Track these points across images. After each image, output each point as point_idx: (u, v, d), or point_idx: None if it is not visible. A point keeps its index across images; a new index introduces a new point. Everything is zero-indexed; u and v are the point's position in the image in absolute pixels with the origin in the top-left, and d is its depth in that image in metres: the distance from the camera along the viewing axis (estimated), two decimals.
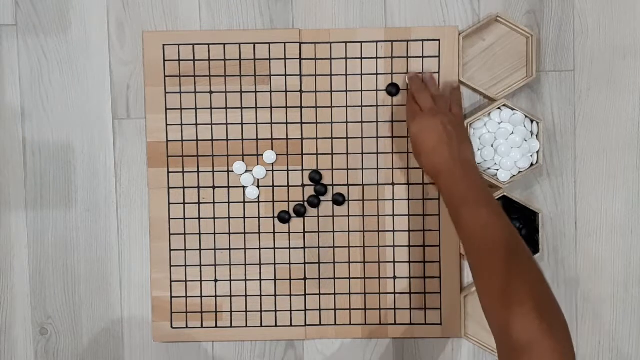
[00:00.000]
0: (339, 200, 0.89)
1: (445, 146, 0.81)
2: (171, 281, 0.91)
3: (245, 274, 0.91)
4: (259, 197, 0.90)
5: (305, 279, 0.91)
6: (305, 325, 0.91)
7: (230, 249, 0.91)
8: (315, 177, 0.89)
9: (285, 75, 0.90)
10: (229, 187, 0.90)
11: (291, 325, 0.91)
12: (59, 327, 0.92)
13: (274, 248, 0.91)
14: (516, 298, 0.68)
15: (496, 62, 0.89)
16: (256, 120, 0.90)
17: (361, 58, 0.90)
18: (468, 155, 0.83)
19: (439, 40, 0.89)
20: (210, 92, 0.90)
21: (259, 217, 0.91)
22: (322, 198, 0.90)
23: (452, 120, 0.83)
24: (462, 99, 0.90)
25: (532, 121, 0.87)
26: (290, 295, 0.91)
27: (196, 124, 0.90)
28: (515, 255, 0.72)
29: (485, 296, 0.72)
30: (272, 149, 0.90)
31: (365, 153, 0.90)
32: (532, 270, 0.71)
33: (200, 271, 0.91)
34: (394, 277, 0.90)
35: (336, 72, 0.90)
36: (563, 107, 0.91)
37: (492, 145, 0.87)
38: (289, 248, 0.91)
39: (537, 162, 0.88)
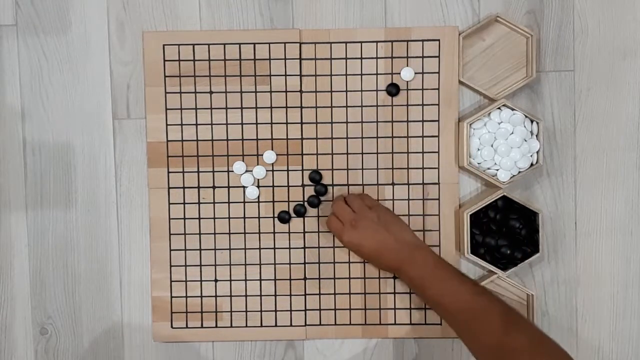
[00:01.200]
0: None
1: (382, 245, 0.83)
2: (171, 281, 0.91)
3: (245, 274, 0.91)
4: (259, 197, 0.90)
5: (305, 279, 0.91)
6: (305, 325, 0.91)
7: (230, 249, 0.91)
8: (315, 177, 0.89)
9: (285, 75, 0.90)
10: (229, 187, 0.90)
11: (291, 325, 0.91)
12: (59, 327, 0.92)
13: (274, 248, 0.91)
14: (506, 350, 0.71)
15: (496, 62, 0.89)
16: (256, 120, 0.90)
17: (361, 58, 0.90)
18: (407, 237, 0.84)
19: (439, 40, 0.89)
20: (210, 92, 0.90)
21: (259, 217, 0.91)
22: (322, 198, 0.90)
23: (374, 216, 0.84)
24: (459, 101, 0.90)
25: (532, 121, 0.87)
26: (290, 295, 0.91)
27: (196, 124, 0.90)
28: (487, 313, 0.76)
29: (478, 356, 0.76)
30: (272, 149, 0.90)
31: (365, 153, 0.90)
32: (511, 316, 0.76)
33: (200, 271, 0.91)
34: (394, 277, 0.90)
35: (336, 72, 0.90)
36: (563, 107, 0.91)
37: (492, 145, 0.87)
38: (289, 248, 0.91)
39: (537, 162, 0.88)
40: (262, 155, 0.90)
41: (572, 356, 0.71)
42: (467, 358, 0.92)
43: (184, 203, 0.90)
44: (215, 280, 0.91)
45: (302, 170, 0.90)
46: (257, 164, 0.90)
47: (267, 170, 0.90)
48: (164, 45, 0.90)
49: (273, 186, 0.90)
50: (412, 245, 0.84)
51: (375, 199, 0.89)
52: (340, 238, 0.85)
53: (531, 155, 0.88)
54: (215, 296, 0.91)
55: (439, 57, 0.89)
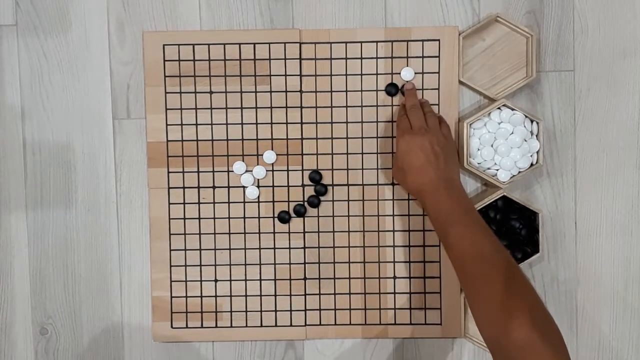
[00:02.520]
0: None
1: (431, 166, 0.82)
2: (171, 281, 0.91)
3: (245, 274, 0.91)
4: (259, 197, 0.90)
5: (305, 279, 0.91)
6: (305, 325, 0.91)
7: (230, 249, 0.91)
8: (315, 177, 0.90)
9: (285, 75, 0.90)
10: (229, 187, 0.90)
11: (291, 325, 0.91)
12: (59, 327, 0.92)
13: (274, 248, 0.91)
14: (513, 311, 0.70)
15: (496, 62, 0.89)
16: (256, 120, 0.90)
17: (361, 58, 0.90)
18: (454, 175, 0.84)
19: (439, 40, 0.89)
20: (210, 92, 0.90)
21: (259, 217, 0.91)
22: (322, 198, 0.90)
23: (441, 140, 0.84)
24: (459, 101, 0.90)
25: (532, 121, 0.87)
26: (290, 295, 0.91)
27: (196, 124, 0.90)
28: (506, 271, 0.74)
29: (479, 309, 0.74)
30: (272, 149, 0.90)
31: (365, 153, 0.90)
32: (525, 284, 0.73)
33: (200, 271, 0.91)
34: (394, 277, 0.90)
35: (336, 72, 0.90)
36: (563, 107, 0.91)
37: (492, 145, 0.87)
38: (289, 248, 0.91)
39: (537, 162, 0.88)
40: (262, 155, 0.90)
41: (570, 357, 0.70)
42: (467, 358, 0.92)
43: (184, 203, 0.90)
44: (215, 280, 0.91)
45: (302, 170, 0.90)
46: (257, 164, 0.90)
47: (267, 170, 0.90)
48: (164, 45, 0.90)
49: (273, 186, 0.90)
50: (454, 183, 0.82)
51: (449, 130, 0.88)
52: (402, 136, 0.84)
53: (531, 155, 0.88)
54: (215, 296, 0.91)
55: (439, 57, 0.89)
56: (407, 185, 0.85)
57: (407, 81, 0.89)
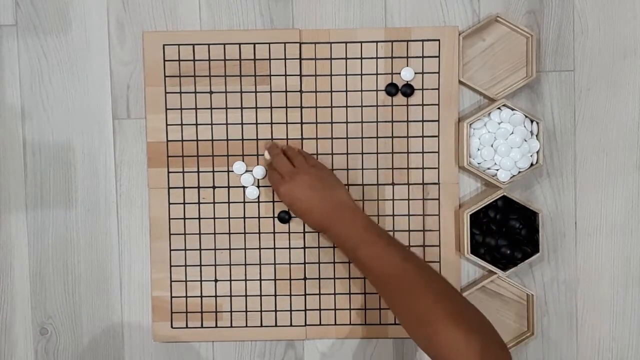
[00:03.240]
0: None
1: (316, 202, 0.83)
2: (171, 281, 0.91)
3: (245, 274, 0.91)
4: (259, 197, 0.90)
5: (305, 279, 0.91)
6: (305, 325, 0.91)
7: (230, 249, 0.91)
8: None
9: (285, 75, 0.90)
10: (229, 187, 0.90)
11: (291, 325, 0.91)
12: (59, 327, 0.92)
13: (274, 248, 0.91)
14: (430, 316, 0.73)
15: (496, 62, 0.89)
16: (256, 120, 0.90)
17: (361, 58, 0.90)
18: (342, 197, 0.84)
19: (439, 40, 0.89)
20: (210, 92, 0.90)
21: (259, 217, 0.91)
22: None
23: (313, 173, 0.84)
24: (459, 101, 0.90)
25: (532, 121, 0.87)
26: (290, 295, 0.91)
27: (196, 124, 0.90)
28: (417, 275, 0.77)
29: (404, 322, 0.77)
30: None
31: (365, 153, 0.90)
32: (435, 282, 0.77)
33: (200, 271, 0.91)
34: None
35: (336, 72, 0.90)
36: (563, 107, 0.91)
37: (492, 145, 0.87)
38: (289, 248, 0.91)
39: (537, 162, 0.88)
40: (262, 155, 0.90)
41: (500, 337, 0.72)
42: None
43: (184, 203, 0.90)
44: (215, 280, 0.91)
45: None
46: (257, 164, 0.90)
47: (267, 170, 0.90)
48: (164, 45, 0.90)
49: None
50: (345, 205, 0.83)
51: (316, 160, 0.89)
52: (277, 190, 0.85)
53: (531, 155, 0.88)
54: (215, 296, 0.91)
55: (439, 57, 0.89)
56: (309, 225, 0.87)
57: (406, 81, 0.89)
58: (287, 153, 0.87)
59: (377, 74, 0.90)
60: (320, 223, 0.84)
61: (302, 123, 0.90)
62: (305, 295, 0.91)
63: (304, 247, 0.91)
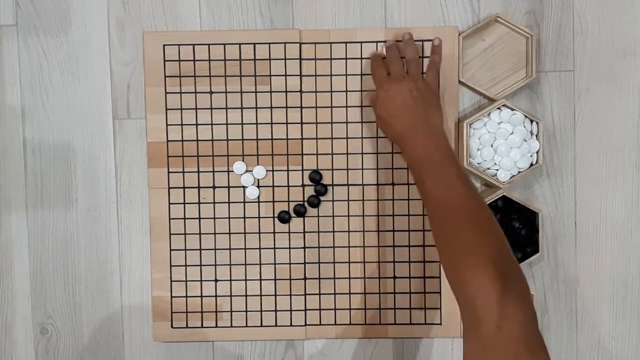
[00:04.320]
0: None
1: (408, 111, 0.81)
2: (171, 281, 0.91)
3: (246, 274, 0.91)
4: (259, 197, 0.90)
5: (305, 278, 0.91)
6: (305, 325, 0.91)
7: (230, 249, 0.91)
8: (316, 177, 0.90)
9: (285, 75, 0.90)
10: (229, 187, 0.90)
11: (291, 325, 0.91)
12: (59, 327, 0.92)
13: (274, 248, 0.91)
14: (476, 259, 0.68)
15: (496, 62, 0.90)
16: (256, 120, 0.90)
17: (361, 58, 0.90)
18: (433, 121, 0.82)
19: None
20: (211, 92, 0.90)
21: (259, 217, 0.91)
22: (322, 198, 0.90)
23: (421, 86, 0.82)
24: (459, 101, 0.90)
25: (531, 121, 0.87)
26: (290, 295, 0.91)
27: (196, 124, 0.90)
28: (475, 217, 0.73)
29: (446, 256, 0.73)
30: (272, 150, 0.90)
31: (365, 153, 0.90)
32: (492, 232, 0.72)
33: (201, 271, 0.91)
34: (394, 277, 0.91)
35: (336, 72, 0.90)
36: (563, 107, 0.91)
37: (491, 145, 0.87)
38: (289, 248, 0.91)
39: (536, 162, 0.88)
40: (262, 155, 0.90)
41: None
42: None
43: (184, 203, 0.90)
44: (216, 280, 0.91)
45: (302, 170, 0.90)
46: (257, 164, 0.90)
47: (267, 170, 0.90)
48: (164, 45, 0.90)
49: (273, 186, 0.90)
50: (433, 129, 0.81)
51: (437, 74, 0.87)
52: (380, 85, 0.83)
53: (531, 156, 0.88)
54: (216, 296, 0.91)
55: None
56: (387, 132, 0.85)
57: None
58: (408, 55, 0.85)
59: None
60: (401, 133, 0.81)
61: (302, 123, 0.90)
62: (305, 295, 0.91)
63: (304, 247, 0.91)
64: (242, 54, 0.90)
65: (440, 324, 0.90)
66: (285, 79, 0.90)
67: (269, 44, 0.90)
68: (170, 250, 0.91)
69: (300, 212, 0.90)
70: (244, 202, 0.90)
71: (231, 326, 0.91)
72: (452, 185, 0.76)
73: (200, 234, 0.91)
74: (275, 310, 0.91)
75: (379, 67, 0.86)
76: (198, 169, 0.90)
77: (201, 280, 0.91)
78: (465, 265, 0.69)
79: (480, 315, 0.66)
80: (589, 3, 0.90)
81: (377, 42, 0.89)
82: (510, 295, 0.65)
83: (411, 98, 0.81)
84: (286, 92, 0.90)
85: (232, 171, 0.90)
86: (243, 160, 0.90)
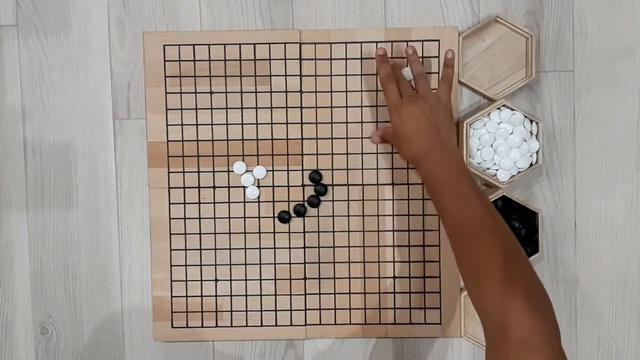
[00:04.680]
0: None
1: (424, 134, 0.81)
2: (171, 281, 0.91)
3: (246, 274, 0.91)
4: (259, 197, 0.91)
5: (305, 278, 0.91)
6: (305, 324, 0.91)
7: (230, 249, 0.91)
8: (316, 177, 0.90)
9: (286, 75, 0.90)
10: (229, 187, 0.91)
11: (291, 325, 0.91)
12: (59, 327, 0.92)
13: (274, 248, 0.91)
14: (497, 276, 0.69)
15: (496, 63, 0.90)
16: (256, 121, 0.90)
17: (361, 58, 0.90)
18: (448, 138, 0.82)
19: (438, 40, 0.89)
20: (211, 93, 0.90)
21: (259, 217, 0.91)
22: (322, 198, 0.90)
23: (434, 104, 0.82)
24: (458, 101, 0.90)
25: (531, 121, 0.88)
26: (290, 294, 0.91)
27: (196, 124, 0.90)
28: (494, 234, 0.73)
29: (467, 272, 0.73)
30: (272, 150, 0.90)
31: (365, 153, 0.90)
32: (507, 244, 0.72)
33: (201, 271, 0.91)
34: (394, 277, 0.91)
35: (336, 73, 0.90)
36: (562, 107, 0.91)
37: (491, 146, 0.88)
38: (289, 248, 0.91)
39: (536, 162, 0.88)
40: (262, 155, 0.90)
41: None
42: (467, 358, 0.92)
43: (184, 203, 0.91)
44: (216, 280, 0.91)
45: (302, 170, 0.90)
46: (257, 164, 0.90)
47: (267, 170, 0.90)
48: (164, 45, 0.90)
49: (273, 186, 0.91)
50: (448, 147, 0.81)
51: (449, 87, 0.86)
52: (393, 106, 0.83)
53: (531, 156, 0.88)
54: (216, 296, 0.91)
55: (438, 57, 0.89)
56: (404, 154, 0.85)
57: (408, 81, 0.89)
58: (414, 71, 0.85)
59: (377, 74, 0.90)
60: (417, 154, 0.82)
61: (302, 123, 0.90)
62: (305, 295, 0.91)
63: (304, 247, 0.91)
64: (242, 54, 0.90)
65: (440, 323, 0.90)
66: (285, 79, 0.90)
67: (269, 44, 0.90)
68: (171, 250, 0.91)
69: (300, 212, 0.90)
70: (244, 202, 0.91)
71: (231, 326, 0.91)
72: (469, 203, 0.76)
73: (200, 234, 0.91)
74: (275, 310, 0.91)
75: (390, 89, 0.85)
76: (198, 169, 0.90)
77: (201, 280, 0.91)
78: (486, 281, 0.70)
79: (503, 330, 0.66)
80: (589, 3, 0.90)
81: (377, 42, 0.89)
82: (535, 310, 0.66)
83: (425, 120, 0.81)
84: (286, 92, 0.90)
85: (232, 171, 0.90)
86: (243, 160, 0.90)
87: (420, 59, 0.89)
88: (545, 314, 0.68)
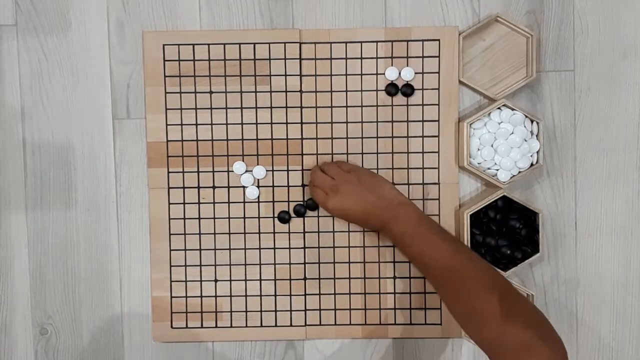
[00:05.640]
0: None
1: (368, 206, 0.84)
2: (171, 281, 0.91)
3: (245, 274, 0.91)
4: (259, 197, 0.90)
5: (305, 279, 0.91)
6: (305, 325, 0.91)
7: (230, 249, 0.91)
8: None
9: (285, 75, 0.90)
10: (229, 187, 0.90)
11: (291, 325, 0.91)
12: (59, 327, 0.92)
13: (274, 248, 0.91)
14: (482, 312, 0.73)
15: (496, 62, 0.89)
16: (256, 120, 0.90)
17: (361, 58, 0.90)
18: (391, 195, 0.85)
19: (439, 40, 0.89)
20: (210, 92, 0.90)
21: (259, 217, 0.91)
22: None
23: (353, 178, 0.85)
24: (459, 101, 0.90)
25: (532, 121, 0.87)
26: (290, 295, 0.91)
27: (196, 124, 0.90)
28: (483, 274, 0.77)
29: (457, 316, 0.77)
30: (272, 150, 0.90)
31: (365, 153, 0.90)
32: (489, 275, 0.77)
33: (200, 271, 0.91)
34: (394, 277, 0.90)
35: (336, 72, 0.90)
36: (563, 107, 0.91)
37: (492, 145, 0.87)
38: (289, 248, 0.91)
39: (537, 162, 0.88)
40: (262, 155, 0.90)
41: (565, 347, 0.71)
42: (467, 358, 0.92)
43: (184, 203, 0.90)
44: (215, 280, 0.91)
45: (302, 170, 0.90)
46: (257, 164, 0.90)
47: (267, 170, 0.90)
48: (163, 45, 0.90)
49: (273, 186, 0.90)
50: (395, 202, 0.84)
51: (352, 163, 0.89)
52: (325, 206, 0.86)
53: (531, 155, 0.88)
54: (215, 296, 0.91)
55: (439, 57, 0.89)
56: (370, 229, 0.89)
57: (406, 81, 0.89)
58: (324, 168, 0.87)
59: (377, 74, 0.90)
60: (375, 225, 0.85)
61: (302, 123, 0.90)
62: (305, 295, 0.91)
63: (304, 247, 0.91)
64: (242, 53, 0.90)
65: (440, 324, 0.90)
66: (285, 78, 0.90)
67: (269, 43, 0.89)
68: (170, 250, 0.91)
69: (300, 212, 0.90)
70: (244, 202, 0.90)
71: (231, 326, 0.91)
72: (436, 246, 0.80)
73: (200, 234, 0.91)
74: (275, 311, 0.91)
75: (313, 190, 0.87)
76: (198, 169, 0.90)
77: (201, 281, 0.91)
78: (485, 319, 0.72)
79: (501, 355, 0.70)
80: (590, 3, 0.90)
81: (377, 42, 0.89)
82: (533, 330, 0.69)
83: (359, 198, 0.84)
84: (286, 92, 0.90)
85: (232, 171, 0.90)
86: (243, 160, 0.90)
87: (420, 59, 0.89)
88: (545, 332, 0.70)
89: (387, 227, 0.84)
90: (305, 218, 0.90)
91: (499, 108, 0.87)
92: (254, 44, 0.89)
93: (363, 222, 0.86)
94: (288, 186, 0.90)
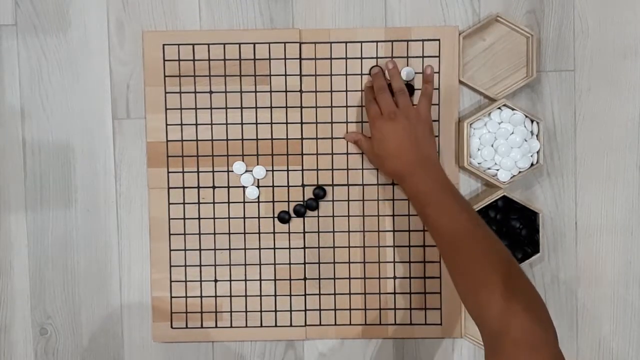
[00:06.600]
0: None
1: (405, 150, 0.82)
2: (171, 281, 0.91)
3: (245, 274, 0.91)
4: (259, 197, 0.90)
5: (305, 279, 0.91)
6: (305, 325, 0.91)
7: (230, 249, 0.91)
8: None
9: (285, 75, 0.90)
10: (229, 187, 0.90)
11: (291, 326, 0.91)
12: (58, 327, 0.92)
13: (274, 248, 0.91)
14: (487, 285, 0.71)
15: (496, 62, 0.89)
16: (256, 120, 0.90)
17: (361, 58, 0.90)
18: (429, 153, 0.83)
19: (439, 40, 0.89)
20: (210, 92, 0.90)
21: (259, 217, 0.90)
22: (321, 198, 0.90)
23: (414, 120, 0.83)
24: (459, 101, 0.90)
25: (532, 121, 0.87)
26: (290, 295, 0.91)
27: (196, 124, 0.90)
28: (484, 244, 0.75)
29: (459, 284, 0.76)
30: (272, 150, 0.90)
31: (365, 153, 0.90)
32: (499, 252, 0.75)
33: (200, 271, 0.91)
34: (394, 277, 0.90)
35: (336, 72, 0.90)
36: (563, 107, 0.91)
37: (492, 145, 0.87)
38: (289, 248, 0.91)
39: (537, 162, 0.88)
40: (261, 155, 0.90)
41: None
42: (467, 358, 0.92)
43: (184, 203, 0.90)
44: (215, 281, 0.91)
45: (302, 170, 0.90)
46: (257, 164, 0.90)
47: (267, 170, 0.90)
48: (163, 45, 0.90)
49: (273, 186, 0.90)
50: (430, 162, 0.83)
51: (425, 108, 0.86)
52: (373, 123, 0.84)
53: (531, 155, 0.87)
54: (215, 296, 0.91)
55: (439, 57, 0.89)
56: (385, 170, 0.86)
57: (406, 81, 0.89)
58: (394, 85, 0.86)
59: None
60: (400, 171, 0.83)
61: (302, 123, 0.90)
62: (305, 295, 0.91)
63: (304, 247, 0.90)
64: (242, 53, 0.90)
65: (441, 324, 0.90)
66: (285, 78, 0.90)
67: (269, 43, 0.89)
68: (170, 250, 0.91)
69: (300, 212, 0.90)
70: (244, 202, 0.90)
71: (231, 326, 0.91)
72: (457, 216, 0.78)
73: (200, 234, 0.90)
74: (275, 311, 0.91)
75: (371, 104, 0.86)
76: (198, 169, 0.90)
77: (201, 281, 0.91)
78: (486, 291, 0.71)
79: (502, 334, 0.68)
80: (590, 3, 0.90)
81: (377, 42, 0.89)
82: (533, 313, 0.68)
83: (406, 136, 0.82)
84: (286, 92, 0.90)
85: (232, 171, 0.90)
86: (243, 160, 0.90)
87: (420, 59, 0.89)
88: (543, 317, 0.69)
89: (412, 179, 0.82)
90: (305, 218, 0.90)
91: (499, 108, 0.87)
92: (254, 43, 0.89)
93: (391, 159, 0.83)
94: (288, 186, 0.90)
